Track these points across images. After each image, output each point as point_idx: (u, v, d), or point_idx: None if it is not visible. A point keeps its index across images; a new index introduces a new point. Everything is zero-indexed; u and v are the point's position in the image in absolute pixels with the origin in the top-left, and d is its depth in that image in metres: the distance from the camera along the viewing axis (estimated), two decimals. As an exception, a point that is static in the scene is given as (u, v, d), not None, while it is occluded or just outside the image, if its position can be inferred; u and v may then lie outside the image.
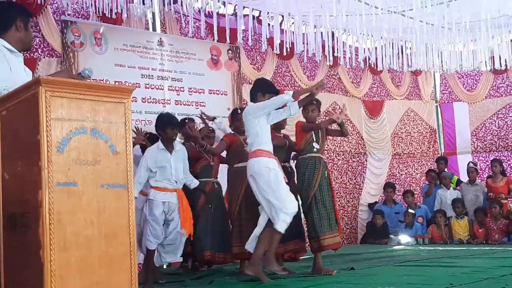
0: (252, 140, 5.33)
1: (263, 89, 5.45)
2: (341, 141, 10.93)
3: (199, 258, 6.43)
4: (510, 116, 12.00)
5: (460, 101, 12.57)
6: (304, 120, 6.08)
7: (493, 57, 10.44)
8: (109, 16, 7.32)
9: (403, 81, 12.35)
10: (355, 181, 11.26)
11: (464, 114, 12.48)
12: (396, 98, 12.14)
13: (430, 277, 5.19)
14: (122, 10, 7.35)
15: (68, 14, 7.49)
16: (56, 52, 7.39)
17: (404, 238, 9.88)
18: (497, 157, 11.00)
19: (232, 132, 6.38)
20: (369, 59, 10.02)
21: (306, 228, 6.08)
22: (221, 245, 6.30)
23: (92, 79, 3.94)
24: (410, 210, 10.21)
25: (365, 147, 11.47)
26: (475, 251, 7.99)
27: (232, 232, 6.13)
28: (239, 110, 6.27)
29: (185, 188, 6.00)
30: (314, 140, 5.93)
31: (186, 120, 6.64)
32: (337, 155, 10.89)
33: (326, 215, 5.77)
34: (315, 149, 5.91)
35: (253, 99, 5.50)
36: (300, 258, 6.44)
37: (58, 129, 3.23)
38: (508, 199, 9.95)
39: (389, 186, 10.92)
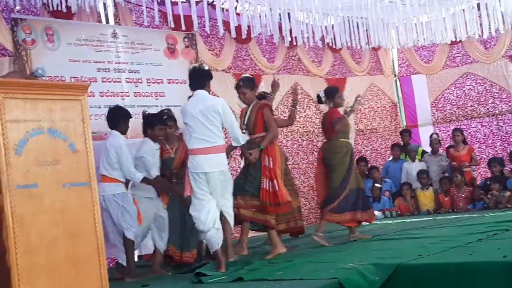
0: None
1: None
2: (304, 122, 10.95)
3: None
4: (467, 85, 12.16)
5: (418, 73, 12.70)
6: None
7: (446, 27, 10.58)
8: (58, 9, 7.16)
9: (363, 57, 12.39)
10: (321, 160, 11.30)
11: (422, 86, 12.60)
12: (357, 75, 12.18)
13: (399, 250, 5.27)
14: (75, 3, 7.20)
15: (18, 12, 7.31)
16: (7, 51, 7.20)
17: (373, 212, 9.99)
18: (458, 127, 11.17)
19: None
20: (326, 38, 10.03)
21: None
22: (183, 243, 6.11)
23: (47, 77, 3.87)
24: (376, 185, 10.33)
25: (328, 126, 11.52)
26: (441, 221, 8.14)
27: None
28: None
29: None
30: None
31: (165, 111, 6.55)
32: (301, 136, 10.92)
33: None
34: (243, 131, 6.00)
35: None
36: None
37: (15, 131, 3.18)
38: (471, 166, 10.15)
39: (361, 160, 10.65)
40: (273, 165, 5.79)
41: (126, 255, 5.77)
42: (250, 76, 6.26)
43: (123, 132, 5.94)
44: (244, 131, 5.90)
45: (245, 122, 5.99)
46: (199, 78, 5.41)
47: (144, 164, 5.92)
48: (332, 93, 6.88)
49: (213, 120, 5.16)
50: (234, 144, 5.53)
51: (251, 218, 5.88)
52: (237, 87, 6.09)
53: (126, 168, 5.65)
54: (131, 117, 6.13)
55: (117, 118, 5.90)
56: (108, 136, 5.99)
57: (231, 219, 5.40)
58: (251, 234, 7.60)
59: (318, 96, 7.02)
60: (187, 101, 5.71)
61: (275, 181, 5.73)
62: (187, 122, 5.27)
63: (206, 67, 5.97)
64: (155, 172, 5.88)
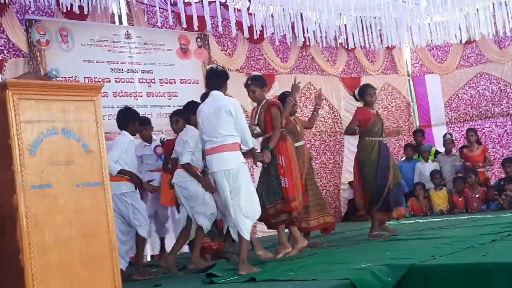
0: None
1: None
2: (317, 122, 10.91)
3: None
4: (482, 85, 12.08)
5: (432, 73, 12.63)
6: None
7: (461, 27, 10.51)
8: (72, 10, 7.22)
9: (377, 56, 12.34)
10: (334, 160, 11.29)
11: (436, 86, 12.54)
12: (372, 74, 12.13)
13: (412, 250, 5.24)
14: (88, 4, 7.27)
15: (32, 13, 7.38)
16: (22, 52, 7.27)
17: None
18: (472, 126, 11.10)
19: None
20: (339, 38, 10.00)
21: None
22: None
23: (62, 77, 3.90)
24: (389, 185, 10.28)
25: (342, 126, 11.47)
26: (455, 221, 8.10)
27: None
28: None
29: None
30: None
31: None
32: (313, 136, 10.91)
33: None
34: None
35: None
36: None
37: (29, 132, 3.21)
38: (485, 167, 10.09)
39: None
40: (285, 164, 5.78)
41: (136, 252, 5.82)
42: (259, 74, 6.25)
43: (133, 133, 6.00)
44: (254, 126, 5.97)
45: (256, 122, 6.00)
46: (216, 79, 5.39)
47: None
48: (362, 91, 7.06)
49: (222, 120, 5.13)
50: (242, 147, 5.46)
51: (281, 222, 5.89)
52: (246, 85, 6.05)
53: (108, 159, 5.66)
54: (140, 119, 6.21)
55: (126, 119, 5.95)
56: (118, 136, 6.04)
57: (242, 234, 5.06)
58: (260, 234, 7.63)
59: (353, 95, 7.35)
60: (199, 100, 5.73)
61: (286, 178, 5.74)
62: (200, 122, 5.27)
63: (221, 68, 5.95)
64: (185, 159, 5.79)
